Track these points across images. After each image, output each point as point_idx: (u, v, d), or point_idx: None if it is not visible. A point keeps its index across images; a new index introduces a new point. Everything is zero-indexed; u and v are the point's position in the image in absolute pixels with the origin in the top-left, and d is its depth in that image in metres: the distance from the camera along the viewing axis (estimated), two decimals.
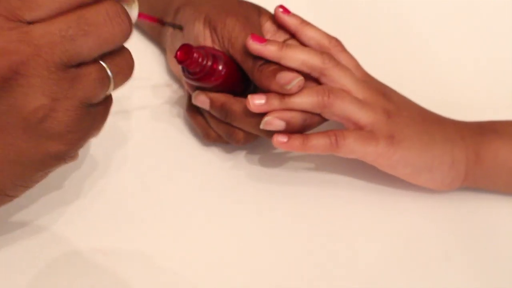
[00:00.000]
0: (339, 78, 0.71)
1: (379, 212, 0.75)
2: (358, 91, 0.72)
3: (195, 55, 0.69)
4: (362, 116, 0.71)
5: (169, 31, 0.78)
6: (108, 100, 0.57)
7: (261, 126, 0.70)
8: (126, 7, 0.56)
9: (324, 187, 0.75)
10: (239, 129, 0.73)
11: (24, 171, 0.55)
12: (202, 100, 0.73)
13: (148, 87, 0.81)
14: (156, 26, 0.81)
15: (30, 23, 0.51)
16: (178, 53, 0.69)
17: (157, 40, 0.84)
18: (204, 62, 0.70)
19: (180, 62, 0.69)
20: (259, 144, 0.77)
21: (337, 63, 0.71)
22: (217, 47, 0.73)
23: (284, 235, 0.72)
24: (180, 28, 0.69)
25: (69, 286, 0.65)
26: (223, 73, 0.71)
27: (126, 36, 0.54)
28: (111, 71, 0.55)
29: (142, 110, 0.79)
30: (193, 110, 0.76)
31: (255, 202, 0.74)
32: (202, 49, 0.70)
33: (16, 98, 0.51)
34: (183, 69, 0.71)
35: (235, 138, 0.74)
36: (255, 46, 0.70)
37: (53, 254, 0.66)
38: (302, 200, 0.74)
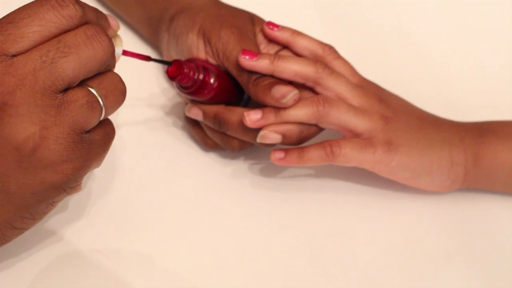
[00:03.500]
0: (334, 86, 0.71)
1: (378, 213, 0.75)
2: (353, 98, 0.72)
3: (185, 70, 0.69)
4: (358, 123, 0.71)
5: (166, 38, 0.78)
6: (106, 130, 0.58)
7: (258, 140, 0.70)
8: None
9: (324, 191, 0.76)
10: (233, 137, 0.73)
11: (27, 203, 0.55)
12: (195, 113, 0.74)
13: (145, 93, 0.81)
14: (154, 31, 0.81)
15: (14, 55, 0.53)
16: (169, 69, 0.69)
17: (155, 45, 0.84)
18: (196, 76, 0.70)
19: (171, 78, 0.69)
20: (257, 149, 0.77)
21: (331, 71, 0.72)
22: (210, 59, 0.73)
23: (284, 238, 0.72)
24: (169, 64, 0.70)
25: (69, 286, 0.65)
26: (215, 86, 0.71)
27: (107, 53, 0.55)
28: (99, 95, 0.55)
29: (140, 116, 0.79)
30: (191, 120, 0.76)
31: (255, 205, 0.74)
32: (192, 62, 0.71)
33: (5, 129, 0.52)
34: (176, 84, 0.72)
35: (231, 146, 0.74)
36: (247, 62, 0.70)
37: (53, 254, 0.66)
38: (302, 204, 0.74)
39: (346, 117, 0.71)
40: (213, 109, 0.73)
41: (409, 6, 0.94)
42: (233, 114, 0.72)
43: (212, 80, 0.71)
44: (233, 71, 0.72)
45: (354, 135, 0.71)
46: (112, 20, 0.60)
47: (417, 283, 0.70)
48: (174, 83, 0.72)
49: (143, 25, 0.84)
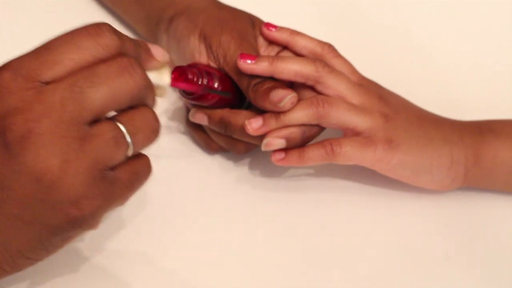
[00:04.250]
0: (334, 85, 0.71)
1: (378, 213, 0.75)
2: (353, 97, 0.72)
3: (189, 76, 0.69)
4: (359, 122, 0.71)
5: (165, 39, 0.78)
6: (136, 168, 0.55)
7: (263, 148, 0.70)
8: (156, 73, 0.58)
9: (324, 191, 0.76)
10: (239, 140, 0.73)
11: (40, 234, 0.54)
12: (199, 117, 0.73)
13: None
14: (152, 31, 0.81)
15: (48, 82, 0.51)
16: (172, 76, 0.68)
17: None
18: (200, 81, 0.70)
19: (175, 86, 0.68)
20: (261, 150, 0.77)
21: (331, 69, 0.72)
22: (212, 63, 0.73)
23: (285, 239, 0.72)
24: (228, 94, 0.70)
25: (69, 286, 0.64)
26: (219, 90, 0.71)
27: (139, 86, 0.54)
28: (128, 132, 0.53)
29: None
30: (193, 123, 0.76)
31: (256, 206, 0.74)
32: (195, 67, 0.70)
33: (27, 157, 0.51)
34: (180, 91, 0.71)
35: (236, 149, 0.74)
36: (246, 65, 0.70)
37: (53, 255, 0.65)
38: (303, 204, 0.75)
39: (347, 116, 0.70)
40: (218, 113, 0.72)
41: (409, 6, 0.94)
42: (239, 117, 0.71)
43: (216, 85, 0.71)
44: (234, 77, 0.72)
45: (354, 134, 0.71)
46: (157, 51, 0.58)
47: (417, 283, 0.70)
48: (177, 89, 0.71)
49: (141, 24, 0.84)
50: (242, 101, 0.74)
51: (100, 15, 0.88)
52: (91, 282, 0.65)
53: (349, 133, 0.71)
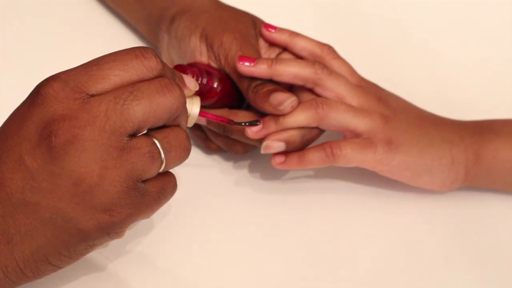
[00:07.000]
0: (333, 87, 0.71)
1: (379, 214, 0.75)
2: (353, 98, 0.72)
3: (189, 74, 0.69)
4: (359, 124, 0.71)
5: (166, 39, 0.78)
6: (164, 184, 0.58)
7: (262, 151, 0.71)
8: (187, 102, 0.60)
9: (324, 192, 0.76)
10: (238, 140, 0.73)
11: (69, 239, 0.55)
12: (198, 117, 0.73)
13: None
14: (153, 30, 0.81)
15: (94, 95, 0.55)
16: None
17: (154, 44, 0.84)
18: (199, 80, 0.70)
19: None
20: (259, 152, 0.77)
21: (330, 71, 0.72)
22: (213, 63, 0.73)
23: (285, 240, 0.72)
24: (256, 123, 0.70)
25: (69, 286, 0.65)
26: (218, 90, 0.71)
27: (177, 103, 0.56)
28: (162, 148, 0.56)
29: None
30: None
31: (256, 207, 0.74)
32: (195, 67, 0.71)
33: (69, 161, 0.53)
34: None
35: (234, 150, 0.74)
36: (245, 68, 0.70)
37: None
38: (302, 206, 0.75)
39: (346, 118, 0.70)
40: (216, 113, 0.72)
41: (410, 6, 0.94)
42: (237, 118, 0.71)
43: (215, 85, 0.71)
44: (235, 77, 0.72)
45: (354, 135, 0.71)
46: (189, 80, 0.61)
47: (417, 283, 0.70)
48: None
49: (142, 24, 0.84)
50: (242, 101, 0.74)
51: (100, 14, 0.88)
52: (91, 282, 0.65)
53: (349, 135, 0.71)
